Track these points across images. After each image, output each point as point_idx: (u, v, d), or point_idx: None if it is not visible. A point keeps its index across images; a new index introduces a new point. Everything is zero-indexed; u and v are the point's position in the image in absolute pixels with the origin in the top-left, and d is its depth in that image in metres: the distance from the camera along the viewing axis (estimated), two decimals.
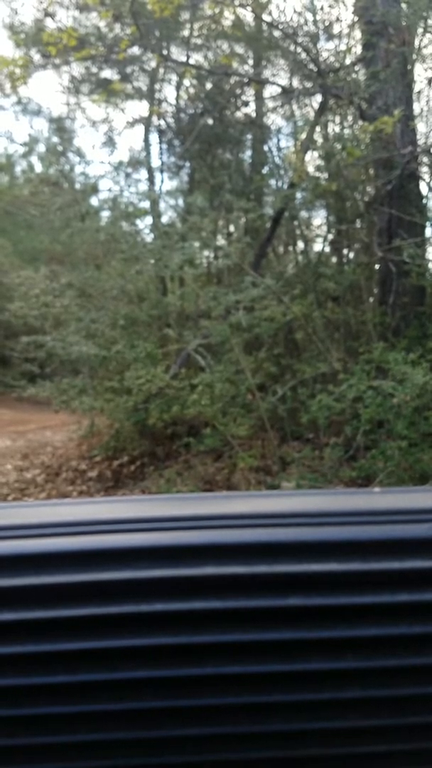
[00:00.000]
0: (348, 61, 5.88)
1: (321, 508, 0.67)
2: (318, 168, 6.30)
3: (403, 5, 5.61)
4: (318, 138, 6.16)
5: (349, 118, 6.11)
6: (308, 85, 6.07)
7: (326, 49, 6.07)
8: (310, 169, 6.19)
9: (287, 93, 6.45)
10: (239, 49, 7.21)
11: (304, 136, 5.98)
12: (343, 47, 5.99)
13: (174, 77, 7.59)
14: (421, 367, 4.18)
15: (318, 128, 6.09)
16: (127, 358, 5.65)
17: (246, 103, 7.39)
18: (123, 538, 0.63)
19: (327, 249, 6.92)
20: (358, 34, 5.99)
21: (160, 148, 7.96)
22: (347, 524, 0.64)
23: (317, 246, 7.15)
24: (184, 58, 7.03)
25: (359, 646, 0.61)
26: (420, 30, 5.71)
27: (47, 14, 6.91)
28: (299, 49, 5.88)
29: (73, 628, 0.60)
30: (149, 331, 6.51)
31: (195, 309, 6.20)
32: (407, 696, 0.61)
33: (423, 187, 5.79)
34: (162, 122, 7.73)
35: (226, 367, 5.22)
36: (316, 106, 6.12)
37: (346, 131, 6.10)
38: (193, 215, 6.33)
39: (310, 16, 5.90)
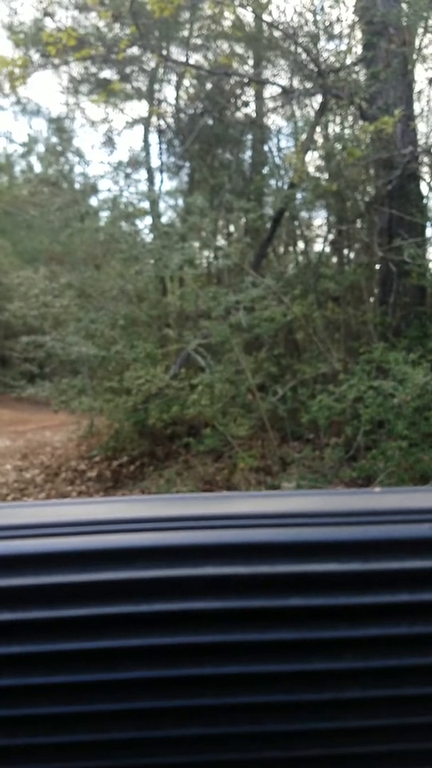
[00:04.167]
0: (348, 62, 5.88)
1: (321, 508, 0.67)
2: (318, 168, 6.31)
3: (404, 5, 5.61)
4: (318, 138, 6.17)
5: (350, 118, 6.11)
6: (308, 85, 6.07)
7: (327, 49, 6.07)
8: (311, 169, 6.20)
9: (287, 93, 6.45)
10: (239, 49, 7.21)
11: (304, 136, 5.99)
12: (343, 47, 6.00)
13: (174, 77, 7.60)
14: (421, 367, 4.18)
15: (318, 128, 6.10)
16: (127, 359, 5.65)
17: (246, 104, 7.40)
18: (123, 538, 0.63)
19: (327, 249, 6.92)
20: (358, 34, 6.00)
21: (160, 149, 7.97)
22: (347, 524, 0.64)
23: (317, 246, 7.17)
24: (183, 59, 7.04)
25: (359, 646, 0.61)
26: (420, 30, 5.71)
27: (46, 14, 6.91)
28: (299, 50, 5.88)
29: (73, 628, 0.60)
30: (149, 331, 6.51)
31: (195, 309, 6.20)
32: (407, 696, 0.61)
33: (423, 187, 5.80)
34: (162, 122, 7.74)
35: (226, 367, 5.22)
36: (316, 106, 6.12)
37: (347, 131, 6.10)
38: (193, 215, 6.33)
39: (310, 17, 5.91)
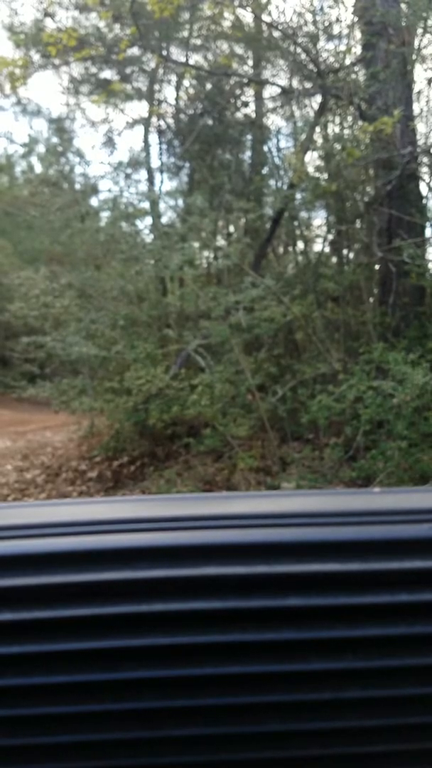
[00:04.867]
0: (348, 62, 5.88)
1: (321, 508, 0.67)
2: (318, 168, 6.31)
3: (403, 6, 5.61)
4: (318, 138, 6.17)
5: (349, 118, 6.11)
6: (308, 85, 6.07)
7: (326, 49, 6.07)
8: (310, 169, 6.20)
9: (287, 93, 6.45)
10: (239, 49, 7.21)
11: (303, 136, 5.99)
12: (342, 48, 5.99)
13: (174, 78, 7.59)
14: (421, 367, 4.18)
15: (318, 129, 6.10)
16: (127, 359, 5.65)
17: (246, 104, 7.40)
18: (123, 538, 0.63)
19: (327, 249, 6.92)
20: (357, 34, 6.00)
21: (160, 149, 7.96)
22: (347, 524, 0.64)
23: (317, 246, 7.17)
24: (183, 59, 7.04)
25: (359, 646, 0.61)
26: (420, 30, 5.71)
27: (47, 14, 6.91)
28: (299, 50, 5.88)
29: (73, 628, 0.60)
30: (149, 331, 6.51)
31: (195, 309, 6.20)
32: (407, 696, 0.61)
33: (423, 188, 5.79)
34: (162, 123, 7.74)
35: (226, 367, 5.22)
36: (315, 106, 6.12)
37: (346, 131, 6.10)
38: (193, 216, 6.33)
39: (309, 17, 5.91)
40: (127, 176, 8.05)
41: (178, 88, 7.59)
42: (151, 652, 0.60)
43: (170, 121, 7.65)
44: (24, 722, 0.60)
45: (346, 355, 5.55)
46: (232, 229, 7.72)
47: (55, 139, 9.82)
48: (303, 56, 5.86)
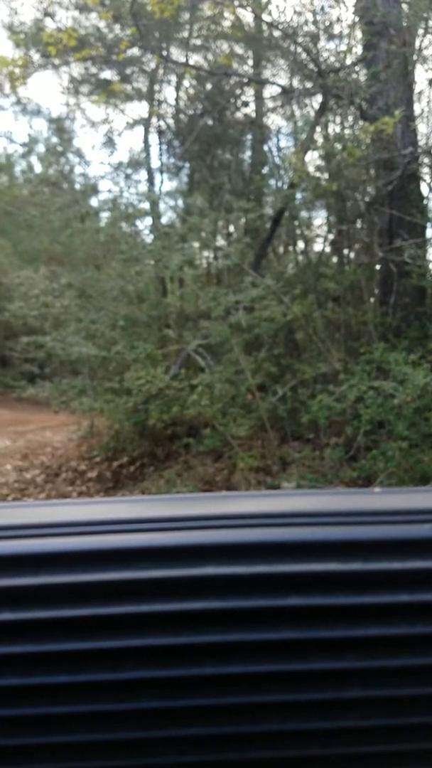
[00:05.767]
0: (348, 62, 5.88)
1: (321, 508, 0.67)
2: (318, 168, 6.31)
3: (404, 6, 5.61)
4: (318, 138, 6.17)
5: (350, 118, 6.11)
6: (308, 85, 6.07)
7: (327, 49, 6.07)
8: (311, 169, 6.20)
9: (287, 93, 6.45)
10: (239, 49, 7.21)
11: (304, 136, 5.99)
12: (343, 47, 5.99)
13: (174, 78, 7.59)
14: (421, 367, 4.18)
15: (318, 128, 6.10)
16: (127, 359, 5.65)
17: (246, 104, 7.40)
18: (123, 538, 0.63)
19: (327, 249, 6.92)
20: (358, 34, 6.00)
21: (160, 149, 7.96)
22: (347, 524, 0.64)
23: (317, 246, 7.17)
24: (183, 59, 7.03)
25: (359, 646, 0.61)
26: (421, 31, 5.71)
27: (47, 14, 6.91)
28: (299, 50, 5.88)
29: (73, 628, 0.60)
30: (149, 331, 6.51)
31: (195, 309, 6.20)
32: (407, 696, 0.61)
33: (424, 188, 5.80)
34: (162, 123, 7.74)
35: (226, 367, 5.22)
36: (316, 106, 6.12)
37: (347, 131, 6.10)
38: (193, 216, 6.33)
39: (310, 16, 5.91)
40: (127, 176, 8.05)
41: (178, 88, 7.59)
42: (151, 652, 0.60)
43: (170, 121, 7.65)
44: (24, 722, 0.60)
45: (347, 355, 5.55)
46: (232, 229, 7.72)
47: (55, 139, 9.81)
48: (303, 56, 5.86)
